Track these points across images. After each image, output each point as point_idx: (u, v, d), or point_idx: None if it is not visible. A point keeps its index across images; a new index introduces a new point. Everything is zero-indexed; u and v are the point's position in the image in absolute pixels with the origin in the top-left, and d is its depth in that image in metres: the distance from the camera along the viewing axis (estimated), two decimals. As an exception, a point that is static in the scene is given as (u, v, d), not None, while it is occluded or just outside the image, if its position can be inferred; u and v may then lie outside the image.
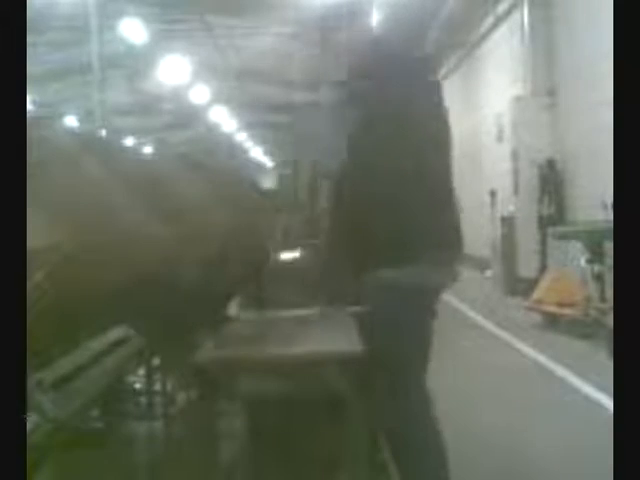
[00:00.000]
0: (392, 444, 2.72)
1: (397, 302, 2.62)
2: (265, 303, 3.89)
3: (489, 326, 8.32)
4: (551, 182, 10.28)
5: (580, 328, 7.22)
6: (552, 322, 7.89)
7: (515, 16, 11.65)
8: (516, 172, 10.80)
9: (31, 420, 2.12)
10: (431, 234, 2.66)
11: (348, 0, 2.95)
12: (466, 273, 13.58)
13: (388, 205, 2.62)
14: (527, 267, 10.41)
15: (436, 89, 2.87)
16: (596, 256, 7.16)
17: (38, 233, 1.58)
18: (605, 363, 5.50)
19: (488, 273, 12.20)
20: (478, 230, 13.63)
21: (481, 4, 13.24)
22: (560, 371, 5.93)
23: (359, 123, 2.67)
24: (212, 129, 29.49)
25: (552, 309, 7.90)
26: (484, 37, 13.84)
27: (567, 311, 7.64)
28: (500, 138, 12.57)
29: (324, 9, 2.96)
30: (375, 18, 3.01)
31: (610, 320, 6.21)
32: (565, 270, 8.30)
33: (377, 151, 2.63)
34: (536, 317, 8.19)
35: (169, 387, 4.00)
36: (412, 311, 2.66)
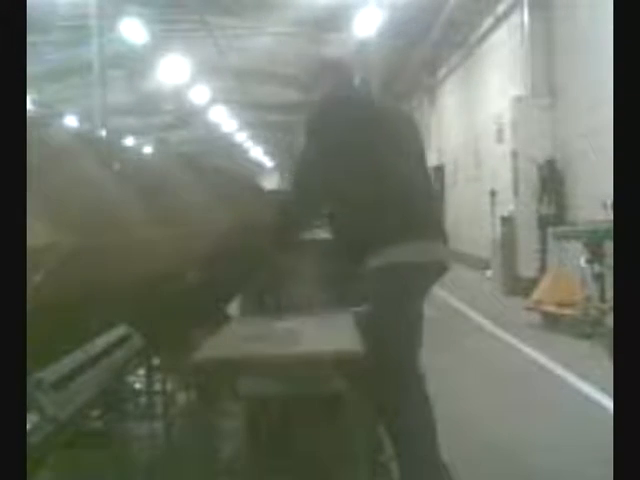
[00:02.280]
0: (389, 421, 2.89)
1: (392, 282, 2.90)
2: (265, 303, 3.88)
3: (489, 326, 8.32)
4: (551, 182, 10.28)
5: (580, 328, 7.23)
6: (552, 322, 7.89)
7: (515, 16, 11.65)
8: (516, 172, 10.80)
9: (31, 420, 2.12)
10: (413, 220, 2.98)
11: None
12: (466, 273, 13.60)
13: (371, 204, 2.95)
14: (527, 267, 10.42)
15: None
16: (596, 256, 7.16)
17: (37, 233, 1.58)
18: (605, 363, 5.51)
19: (488, 273, 12.20)
20: (478, 230, 13.64)
21: (481, 4, 13.24)
22: (559, 371, 5.93)
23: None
24: (212, 129, 29.50)
25: (552, 309, 7.90)
26: (484, 37, 13.85)
27: (567, 311, 7.64)
28: (500, 138, 12.57)
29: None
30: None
31: (610, 320, 6.21)
32: (565, 270, 8.30)
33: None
34: (536, 317, 8.19)
35: (169, 387, 4.00)
36: (407, 290, 2.94)
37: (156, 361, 3.90)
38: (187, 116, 26.31)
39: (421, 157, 3.27)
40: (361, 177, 2.99)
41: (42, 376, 2.25)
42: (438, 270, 3.09)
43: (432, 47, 16.15)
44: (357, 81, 3.41)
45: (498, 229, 11.65)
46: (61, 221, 1.68)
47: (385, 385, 2.82)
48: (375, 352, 2.62)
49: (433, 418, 2.89)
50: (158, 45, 16.86)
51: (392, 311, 2.88)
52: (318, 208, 3.22)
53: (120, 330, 3.13)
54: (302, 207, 3.15)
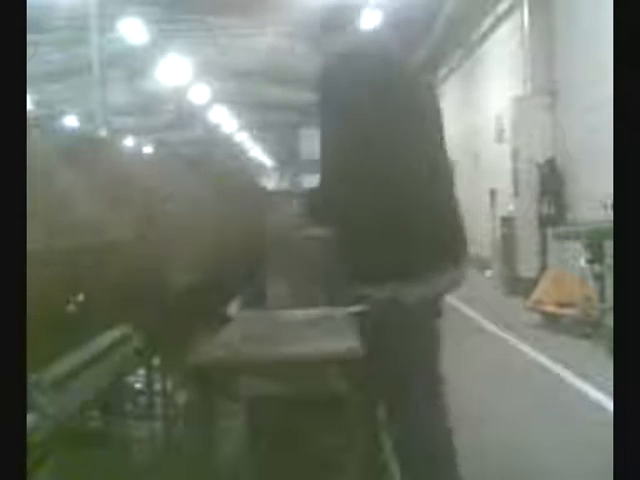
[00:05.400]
0: (401, 454, 2.67)
1: (400, 314, 2.56)
2: (265, 303, 3.88)
3: (489, 326, 8.32)
4: (551, 182, 10.27)
5: (580, 328, 7.23)
6: (552, 322, 7.89)
7: (515, 16, 11.65)
8: (516, 172, 10.79)
9: (31, 420, 2.12)
10: (433, 243, 2.59)
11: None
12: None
13: (386, 217, 2.52)
14: (527, 267, 10.41)
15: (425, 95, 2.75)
16: (596, 256, 7.16)
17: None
18: (605, 363, 5.52)
19: (488, 273, 12.20)
20: (478, 230, 13.63)
21: (481, 4, 13.24)
22: (559, 370, 5.94)
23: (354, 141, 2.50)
24: (212, 129, 29.50)
25: (552, 309, 7.90)
26: (484, 37, 13.84)
27: (567, 311, 7.64)
28: (500, 138, 12.56)
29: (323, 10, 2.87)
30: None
31: (610, 320, 6.21)
32: (565, 270, 8.30)
33: (376, 164, 2.50)
34: (536, 317, 8.19)
35: (169, 387, 4.00)
36: (415, 321, 2.60)
37: (156, 361, 3.90)
38: (187, 116, 26.32)
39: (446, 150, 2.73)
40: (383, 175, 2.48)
41: (42, 376, 2.25)
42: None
43: (432, 47, 16.15)
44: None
45: (498, 229, 11.65)
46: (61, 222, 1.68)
47: (393, 390, 2.64)
48: (385, 364, 2.54)
49: (452, 456, 2.63)
50: (158, 45, 16.86)
51: (410, 341, 2.60)
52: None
53: (120, 330, 3.13)
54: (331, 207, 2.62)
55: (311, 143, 15.77)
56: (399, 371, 2.58)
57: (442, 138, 2.72)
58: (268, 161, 41.54)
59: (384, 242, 2.52)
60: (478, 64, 14.63)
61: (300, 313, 3.32)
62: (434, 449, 2.59)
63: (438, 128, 2.72)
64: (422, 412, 2.60)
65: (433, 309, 2.70)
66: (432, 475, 2.60)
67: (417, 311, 2.57)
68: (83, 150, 2.30)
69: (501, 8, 12.56)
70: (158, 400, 3.98)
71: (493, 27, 13.22)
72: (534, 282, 9.05)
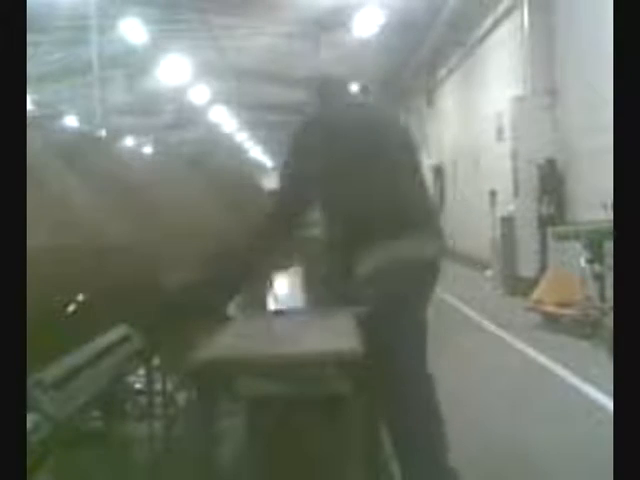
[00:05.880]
0: (393, 433, 2.88)
1: (385, 284, 2.89)
2: (265, 302, 3.88)
3: (489, 326, 8.32)
4: (551, 182, 10.27)
5: (580, 328, 7.22)
6: (552, 322, 7.88)
7: (515, 16, 11.65)
8: (516, 172, 10.79)
9: (31, 420, 2.12)
10: (387, 212, 2.98)
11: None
12: (466, 273, 13.60)
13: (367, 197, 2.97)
14: (527, 267, 10.41)
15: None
16: (596, 256, 7.16)
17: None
18: (605, 363, 5.52)
19: (488, 273, 12.20)
20: (478, 230, 13.63)
21: (481, 4, 13.24)
22: (559, 370, 5.94)
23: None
24: (212, 129, 29.50)
25: (552, 309, 7.89)
26: (484, 37, 13.85)
27: (567, 311, 7.64)
28: (500, 138, 12.56)
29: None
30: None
31: (610, 320, 6.21)
32: (565, 270, 8.29)
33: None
34: (536, 317, 8.19)
35: (169, 387, 4.00)
36: (405, 293, 2.91)
37: (156, 361, 3.90)
38: (187, 116, 26.32)
39: (415, 167, 3.26)
40: (349, 187, 3.00)
41: (42, 376, 2.25)
42: (432, 270, 3.07)
43: (432, 47, 16.16)
44: (351, 92, 3.35)
45: (498, 229, 11.65)
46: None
47: (388, 386, 2.82)
48: (379, 354, 2.63)
49: (441, 420, 2.90)
50: (158, 45, 16.87)
51: (389, 313, 2.86)
52: (302, 212, 3.20)
53: (120, 330, 3.13)
54: (286, 210, 3.15)
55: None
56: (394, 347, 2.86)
57: (414, 169, 3.23)
58: (268, 161, 41.54)
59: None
60: (478, 64, 14.63)
61: (300, 312, 3.32)
62: (426, 425, 2.85)
63: (408, 159, 3.21)
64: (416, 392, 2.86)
65: (408, 289, 2.95)
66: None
67: (404, 277, 2.90)
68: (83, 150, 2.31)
69: (501, 8, 12.56)
70: (158, 400, 3.98)
71: (493, 27, 13.22)
72: (534, 282, 9.05)
